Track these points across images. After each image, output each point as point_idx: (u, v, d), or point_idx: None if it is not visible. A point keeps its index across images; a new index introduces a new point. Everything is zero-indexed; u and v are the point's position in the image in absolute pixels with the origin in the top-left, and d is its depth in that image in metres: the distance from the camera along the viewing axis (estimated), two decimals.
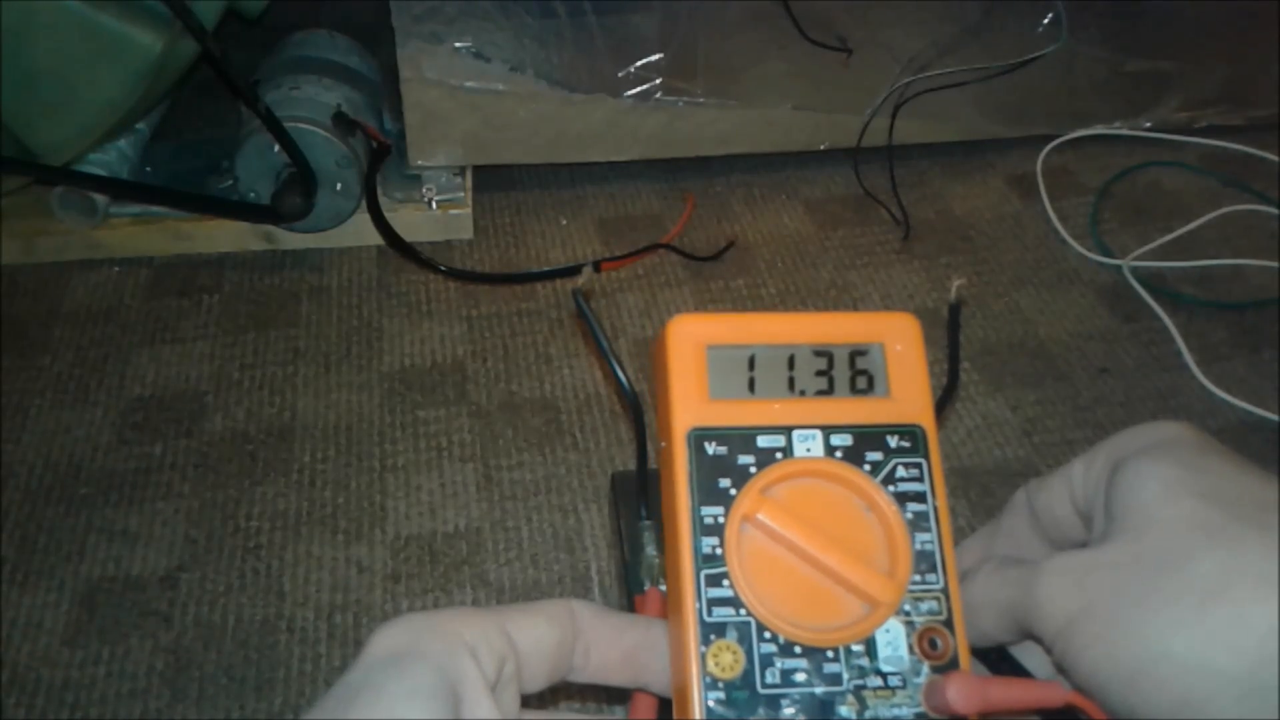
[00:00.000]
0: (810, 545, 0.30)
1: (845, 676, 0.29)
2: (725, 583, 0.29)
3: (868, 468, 0.31)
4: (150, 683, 0.60)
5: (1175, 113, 1.01)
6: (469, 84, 0.86)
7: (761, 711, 0.28)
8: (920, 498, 0.31)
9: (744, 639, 0.29)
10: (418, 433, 0.75)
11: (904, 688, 0.29)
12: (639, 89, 0.88)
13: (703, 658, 0.29)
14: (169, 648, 0.62)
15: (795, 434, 0.31)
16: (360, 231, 0.89)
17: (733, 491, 0.30)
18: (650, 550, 0.39)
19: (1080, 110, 1.01)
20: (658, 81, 0.88)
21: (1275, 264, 0.88)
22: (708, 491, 0.30)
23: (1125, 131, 1.01)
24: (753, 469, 0.31)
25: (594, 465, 0.72)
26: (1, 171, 0.82)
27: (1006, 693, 0.28)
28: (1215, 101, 1.02)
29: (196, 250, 0.89)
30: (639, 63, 0.88)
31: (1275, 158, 0.99)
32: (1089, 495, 0.31)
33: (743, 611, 0.29)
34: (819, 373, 0.32)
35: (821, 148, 0.96)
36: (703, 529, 0.30)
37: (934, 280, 0.88)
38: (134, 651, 0.62)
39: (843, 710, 0.28)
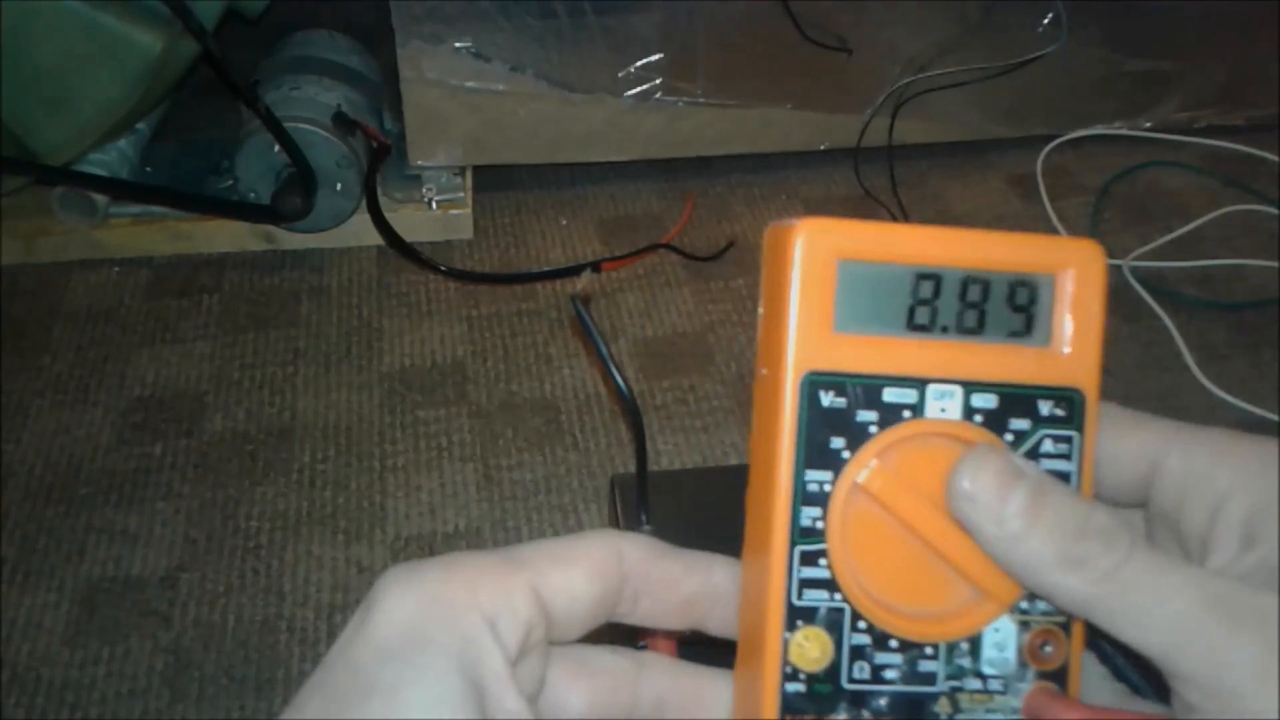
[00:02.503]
0: (924, 527, 0.25)
1: (941, 675, 0.25)
2: (822, 562, 0.25)
3: (1010, 437, 0.25)
4: (150, 683, 0.61)
5: (1175, 113, 1.01)
6: (469, 84, 0.86)
7: (843, 709, 0.25)
8: (1064, 479, 0.25)
9: (834, 626, 0.25)
10: (418, 433, 0.75)
11: (1004, 693, 0.25)
12: (639, 89, 0.88)
13: (786, 645, 0.25)
14: (169, 648, 0.62)
15: (930, 389, 0.25)
16: (360, 231, 0.88)
17: (846, 454, 0.25)
18: None
19: (1080, 110, 1.01)
20: (658, 81, 0.88)
21: (1275, 264, 0.88)
22: (817, 452, 0.25)
23: (1125, 131, 1.01)
24: (873, 428, 0.25)
25: (594, 465, 0.72)
26: (1, 171, 0.82)
27: None
28: (1215, 101, 1.01)
29: (196, 250, 0.89)
30: (639, 63, 0.88)
31: (1275, 158, 0.99)
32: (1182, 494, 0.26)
33: (838, 596, 0.25)
34: (970, 305, 0.26)
35: (821, 148, 0.95)
36: (805, 497, 0.25)
37: None
38: (134, 651, 0.62)
39: (933, 711, 0.25)
